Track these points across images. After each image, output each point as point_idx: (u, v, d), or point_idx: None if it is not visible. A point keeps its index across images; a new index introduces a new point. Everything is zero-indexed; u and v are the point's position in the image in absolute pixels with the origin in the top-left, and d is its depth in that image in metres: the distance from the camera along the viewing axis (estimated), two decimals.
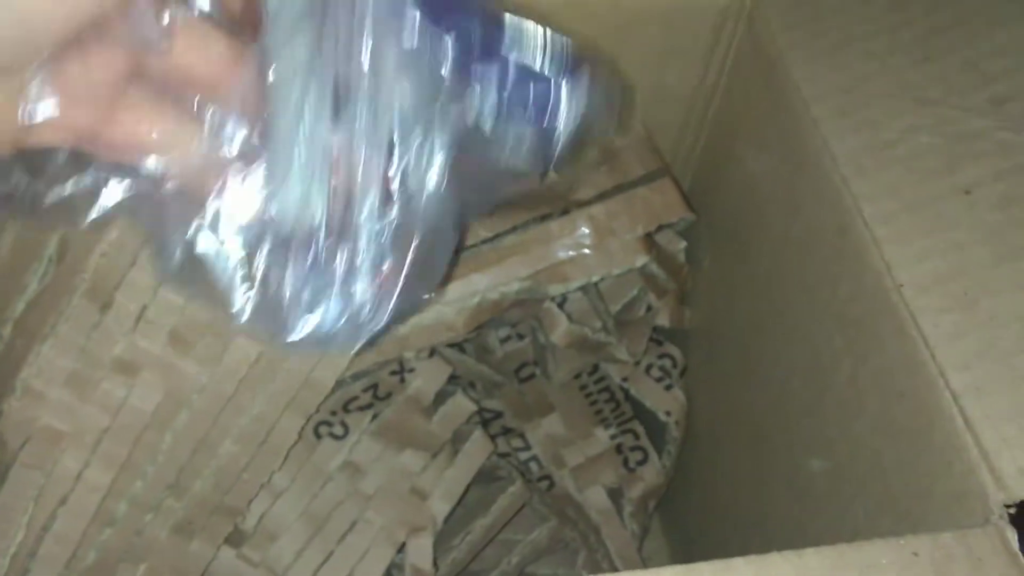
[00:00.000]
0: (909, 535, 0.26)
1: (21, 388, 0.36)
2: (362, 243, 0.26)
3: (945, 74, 0.36)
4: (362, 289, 0.26)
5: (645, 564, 0.51)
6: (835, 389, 0.36)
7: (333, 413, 0.43)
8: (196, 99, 0.24)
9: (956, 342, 0.30)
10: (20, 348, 0.36)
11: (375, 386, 0.44)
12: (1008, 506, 0.27)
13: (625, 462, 0.50)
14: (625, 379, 0.50)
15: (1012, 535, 0.26)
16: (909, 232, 0.32)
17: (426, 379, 0.44)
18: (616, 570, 0.49)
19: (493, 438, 0.49)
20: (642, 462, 0.50)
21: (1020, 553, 0.26)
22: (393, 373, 0.44)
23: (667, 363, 0.50)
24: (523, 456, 0.50)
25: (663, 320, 0.47)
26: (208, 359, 0.37)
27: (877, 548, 0.25)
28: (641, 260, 0.40)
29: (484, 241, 0.40)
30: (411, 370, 0.44)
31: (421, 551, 0.43)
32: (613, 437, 0.50)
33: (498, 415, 0.51)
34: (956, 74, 0.36)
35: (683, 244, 0.46)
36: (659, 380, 0.50)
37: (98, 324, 0.36)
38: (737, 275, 0.44)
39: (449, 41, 0.25)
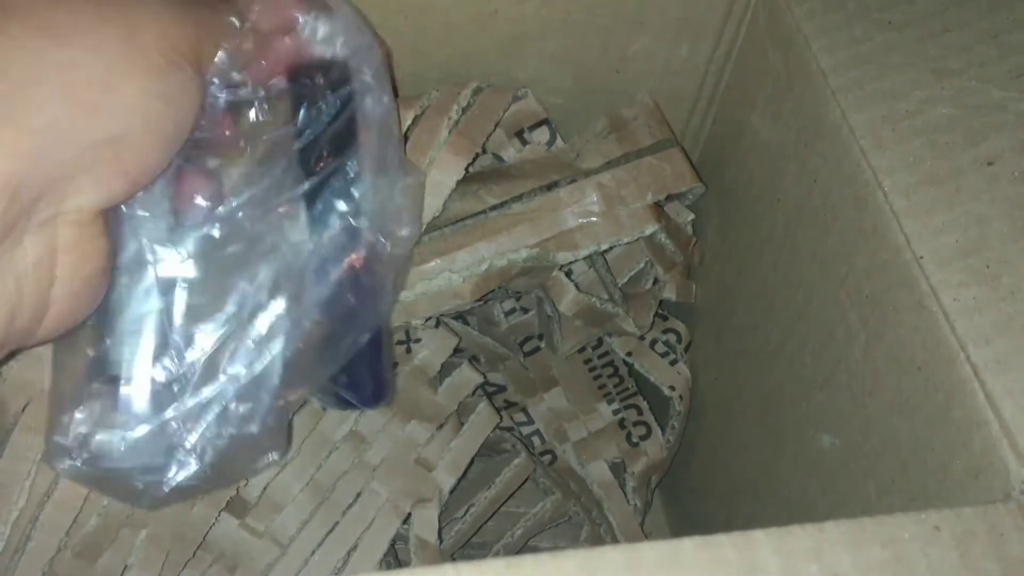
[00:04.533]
0: (931, 510, 0.25)
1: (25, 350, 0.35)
2: None
3: (965, 45, 0.36)
4: None
5: (647, 539, 0.50)
6: (849, 364, 0.35)
7: None
8: None
9: (977, 316, 0.29)
10: None
11: None
12: None
13: (628, 437, 0.50)
14: (629, 354, 0.50)
15: None
16: (929, 205, 0.32)
17: (432, 349, 0.44)
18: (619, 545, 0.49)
19: (496, 412, 0.49)
20: (645, 437, 0.50)
21: None
22: (399, 343, 0.43)
23: (672, 338, 0.49)
24: (526, 430, 0.50)
25: (669, 293, 0.46)
26: None
27: (899, 522, 0.25)
28: (651, 228, 0.40)
29: (492, 208, 0.39)
30: (417, 340, 0.43)
31: (426, 522, 0.43)
32: (616, 412, 0.50)
33: (501, 389, 0.51)
34: (976, 45, 0.36)
35: (691, 216, 0.46)
36: (664, 355, 0.49)
37: None
38: (748, 248, 0.44)
39: None
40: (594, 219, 0.39)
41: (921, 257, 0.31)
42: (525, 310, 0.49)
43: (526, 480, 0.48)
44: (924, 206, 0.32)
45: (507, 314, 0.49)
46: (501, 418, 0.47)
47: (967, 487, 0.29)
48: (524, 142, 0.42)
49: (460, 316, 0.48)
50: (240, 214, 0.30)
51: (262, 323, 0.31)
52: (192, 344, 0.30)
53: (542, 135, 0.42)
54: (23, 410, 0.36)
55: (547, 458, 0.50)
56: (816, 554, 0.24)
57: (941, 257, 0.31)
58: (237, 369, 0.31)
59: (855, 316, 0.35)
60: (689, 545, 0.24)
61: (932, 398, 0.30)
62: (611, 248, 0.41)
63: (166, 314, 0.30)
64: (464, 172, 0.37)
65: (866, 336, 0.34)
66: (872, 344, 0.34)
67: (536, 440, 0.50)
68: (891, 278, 0.32)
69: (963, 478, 0.29)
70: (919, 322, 0.30)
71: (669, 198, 0.42)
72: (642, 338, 0.49)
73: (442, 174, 0.37)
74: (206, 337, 0.30)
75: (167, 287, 0.30)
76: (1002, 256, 0.30)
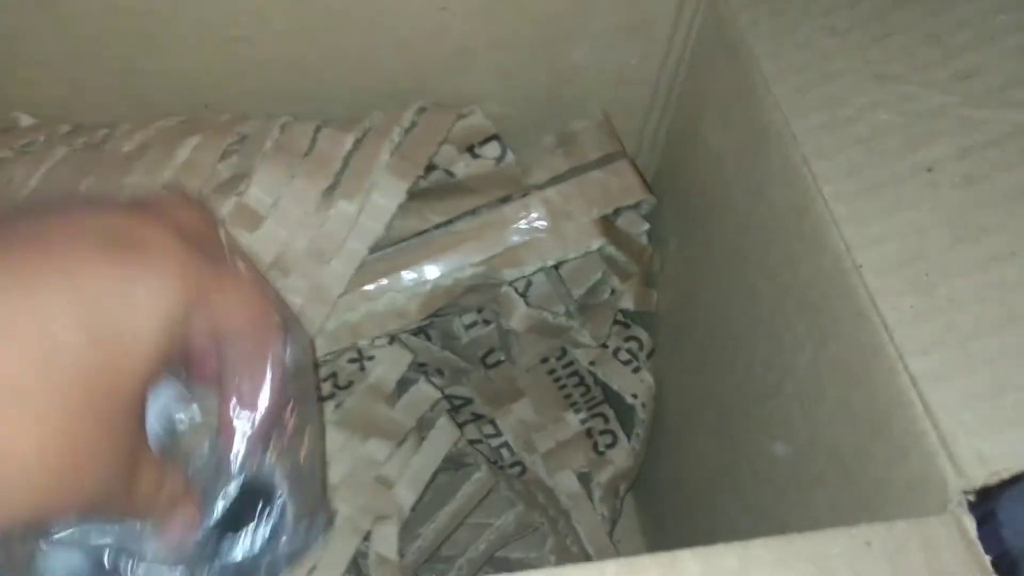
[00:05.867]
0: (863, 524, 0.25)
1: None
2: None
3: (907, 49, 0.36)
4: None
5: (617, 547, 0.50)
6: (796, 374, 0.35)
7: None
8: None
9: (915, 326, 0.29)
10: None
11: (334, 375, 0.43)
12: (967, 492, 0.26)
13: (595, 446, 0.50)
14: (593, 363, 0.49)
15: (970, 523, 0.26)
16: (869, 213, 0.32)
17: (387, 367, 0.43)
18: (587, 554, 0.49)
19: (463, 425, 0.49)
20: (611, 445, 0.49)
21: (977, 541, 0.25)
22: (352, 361, 0.43)
23: (634, 346, 0.49)
24: (494, 443, 0.50)
25: (628, 303, 0.46)
26: None
27: (828, 538, 0.25)
28: (597, 243, 0.40)
29: (436, 227, 0.39)
30: (371, 358, 0.43)
31: (385, 539, 0.43)
32: (583, 421, 0.50)
33: (468, 401, 0.51)
34: (918, 49, 0.36)
35: (645, 226, 0.45)
36: (626, 363, 0.49)
37: None
38: (703, 257, 0.44)
39: None
40: (540, 235, 0.39)
41: (860, 266, 0.30)
42: (487, 322, 0.49)
43: (488, 493, 0.48)
44: (863, 214, 0.32)
45: (467, 327, 0.49)
46: (463, 432, 0.47)
47: (907, 499, 0.29)
48: (475, 156, 0.42)
49: (421, 331, 0.47)
50: None
51: None
52: None
53: (492, 150, 0.42)
54: None
55: (516, 469, 0.50)
56: (742, 573, 0.24)
57: (880, 266, 0.30)
58: None
59: (801, 325, 0.35)
60: (612, 568, 0.24)
61: (873, 408, 0.30)
62: (561, 263, 0.40)
63: None
64: (406, 195, 0.37)
65: (812, 346, 0.34)
66: (817, 353, 0.34)
67: (505, 452, 0.50)
68: (832, 287, 0.32)
69: (904, 489, 0.29)
70: (859, 332, 0.30)
71: (623, 209, 0.42)
72: (605, 346, 0.49)
73: (384, 197, 0.37)
74: None
75: None
76: (940, 265, 0.30)
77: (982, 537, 0.25)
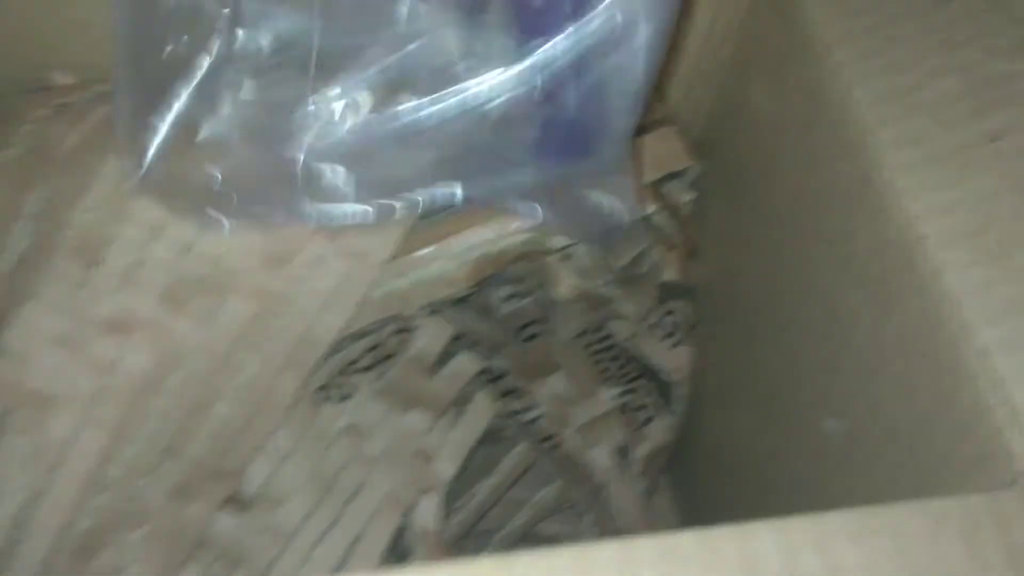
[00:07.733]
0: (936, 498, 0.25)
1: (3, 349, 0.34)
2: None
3: (973, 14, 0.35)
4: None
5: (652, 524, 0.50)
6: (853, 348, 0.34)
7: (334, 376, 0.42)
8: None
9: (984, 296, 0.28)
10: (1, 310, 0.34)
11: (376, 347, 0.42)
12: None
13: (631, 421, 0.49)
14: (631, 337, 0.49)
15: None
16: (934, 182, 0.31)
17: (429, 339, 0.43)
18: (622, 531, 0.49)
19: (498, 398, 0.48)
20: (648, 421, 0.49)
21: None
22: (395, 333, 0.42)
23: (675, 320, 0.48)
24: (528, 416, 0.49)
25: (671, 275, 0.45)
26: (201, 318, 0.36)
27: (902, 511, 0.24)
28: (646, 209, 0.39)
29: None
30: (413, 329, 0.43)
31: (428, 513, 0.42)
32: (619, 396, 0.49)
33: (502, 375, 0.50)
34: (984, 15, 0.35)
35: (691, 196, 0.45)
36: (666, 337, 0.48)
37: (84, 283, 0.34)
38: (751, 228, 0.43)
39: None
40: None
41: (926, 237, 0.30)
42: (523, 296, 0.48)
43: (528, 468, 0.47)
44: (929, 183, 0.31)
45: (504, 300, 0.48)
46: (502, 405, 0.47)
47: (973, 473, 0.28)
48: None
49: (458, 303, 0.47)
50: None
51: None
52: None
53: None
54: (8, 413, 0.35)
55: (550, 444, 0.49)
56: (818, 546, 0.23)
57: (947, 236, 0.30)
58: None
59: (860, 298, 0.34)
60: (686, 539, 0.23)
61: (937, 382, 0.29)
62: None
63: None
64: None
65: (871, 319, 0.33)
66: (877, 327, 0.33)
67: (539, 426, 0.49)
68: (895, 258, 0.31)
69: (968, 464, 0.28)
70: (924, 304, 0.30)
71: (667, 178, 0.41)
72: (643, 320, 0.48)
73: None
74: None
75: None
76: (1011, 234, 0.29)
77: None
